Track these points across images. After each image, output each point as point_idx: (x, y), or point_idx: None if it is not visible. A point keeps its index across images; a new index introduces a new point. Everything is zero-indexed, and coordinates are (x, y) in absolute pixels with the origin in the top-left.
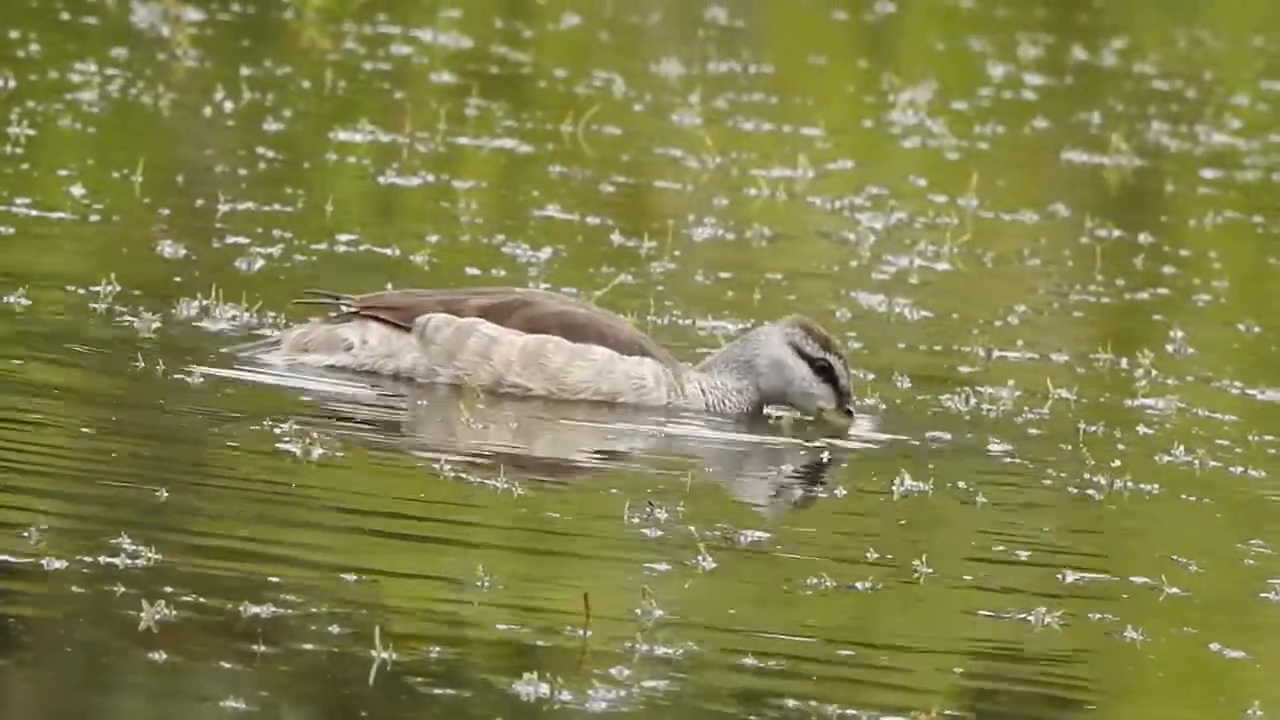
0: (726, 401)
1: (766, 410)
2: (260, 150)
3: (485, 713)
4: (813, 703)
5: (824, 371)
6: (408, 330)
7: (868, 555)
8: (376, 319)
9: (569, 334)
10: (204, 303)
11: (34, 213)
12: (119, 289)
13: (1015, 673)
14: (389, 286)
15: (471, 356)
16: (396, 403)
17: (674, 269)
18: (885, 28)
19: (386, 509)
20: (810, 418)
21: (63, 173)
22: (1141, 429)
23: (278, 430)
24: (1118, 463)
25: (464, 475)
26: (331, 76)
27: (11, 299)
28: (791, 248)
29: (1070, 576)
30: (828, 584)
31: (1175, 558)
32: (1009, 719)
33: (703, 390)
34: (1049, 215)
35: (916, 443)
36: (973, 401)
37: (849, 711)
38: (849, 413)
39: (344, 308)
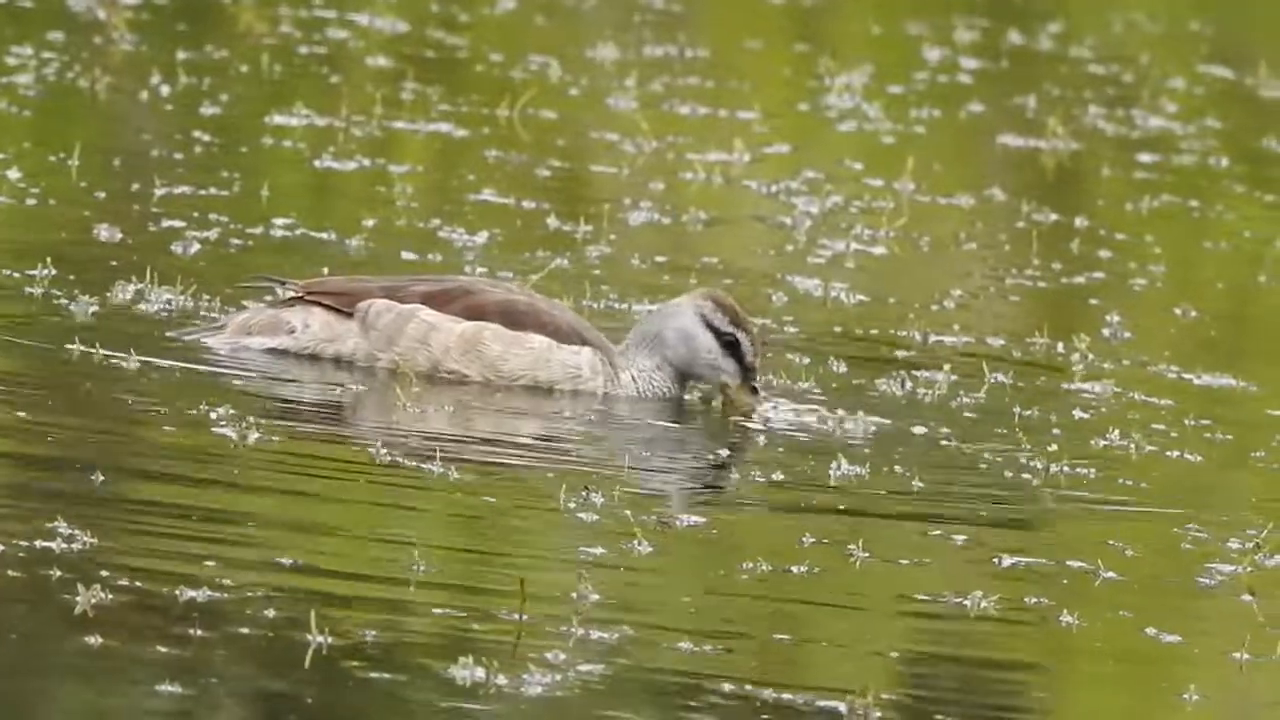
0: (652, 383)
1: (687, 394)
2: (196, 134)
3: (421, 697)
4: (749, 687)
5: (731, 346)
6: (350, 316)
7: (804, 540)
8: (320, 304)
9: (508, 322)
10: (140, 286)
11: None
12: (55, 273)
13: (951, 657)
14: (325, 271)
15: (410, 342)
16: (334, 388)
17: (610, 253)
18: (821, 12)
19: (322, 494)
20: (715, 394)
21: None
22: (1077, 413)
23: (214, 415)
24: (1053, 446)
25: (400, 460)
26: (268, 61)
27: None
28: (727, 231)
29: (1006, 560)
30: (764, 568)
31: (1111, 542)
32: (945, 703)
33: (633, 377)
34: (985, 199)
35: (852, 427)
36: (908, 385)
37: (785, 696)
38: (754, 390)
39: (283, 292)
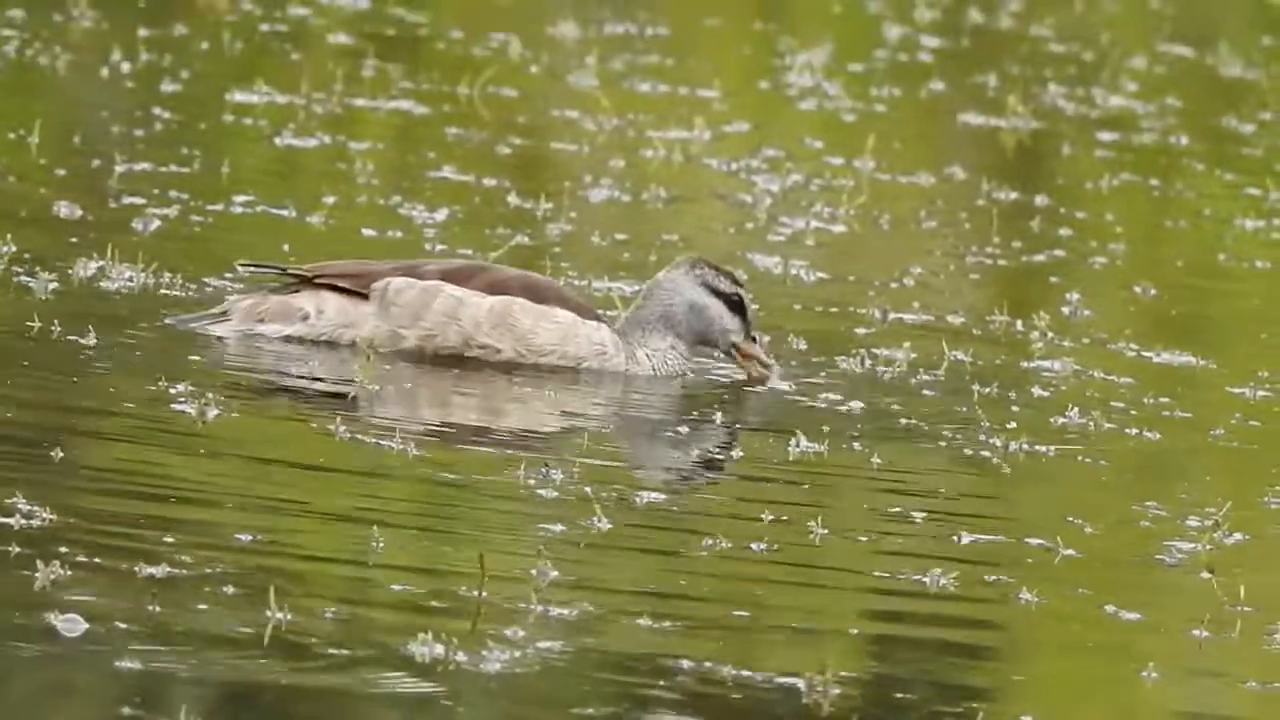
0: (666, 361)
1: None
2: (157, 111)
3: (380, 674)
4: (708, 664)
5: (736, 305)
6: (364, 297)
7: (764, 517)
8: (331, 288)
9: (532, 296)
10: (101, 263)
11: None
12: (15, 249)
13: (911, 634)
14: (285, 248)
15: (438, 318)
16: (292, 365)
17: (570, 230)
18: None
19: (282, 470)
20: (724, 355)
21: None
22: (1037, 391)
23: (173, 391)
24: (1013, 424)
25: (361, 437)
26: (229, 37)
27: None
28: (688, 209)
29: (966, 538)
30: (723, 545)
31: (1071, 519)
32: (904, 681)
33: (648, 355)
34: (945, 177)
35: (812, 404)
36: (868, 363)
37: (744, 673)
38: (754, 339)
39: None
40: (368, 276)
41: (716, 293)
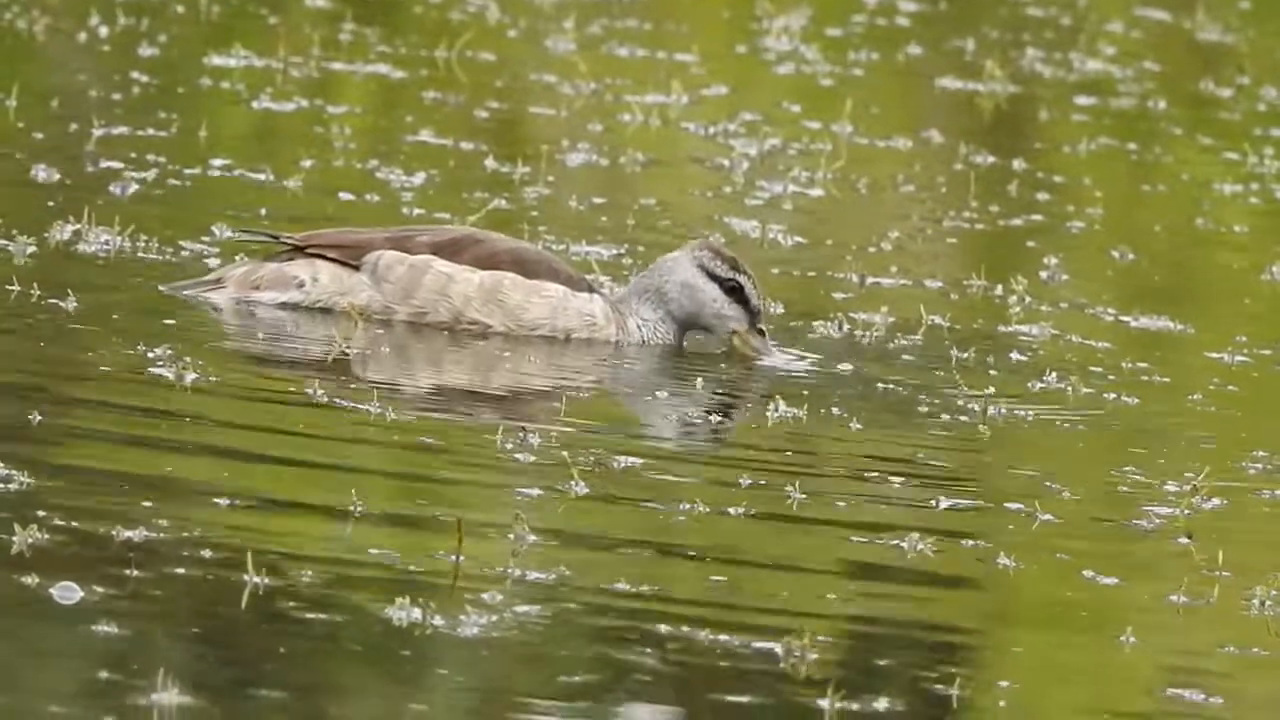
0: (656, 334)
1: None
2: (135, 75)
3: (358, 638)
4: (685, 628)
5: (734, 292)
6: (356, 268)
7: (741, 481)
8: (323, 257)
9: (522, 270)
10: (78, 227)
11: None
12: None
13: (889, 599)
14: (263, 212)
15: (429, 294)
16: (272, 330)
17: (548, 194)
18: None
19: (260, 434)
20: (724, 342)
21: None
22: (1015, 355)
23: (151, 355)
24: (991, 389)
25: (338, 401)
26: (206, 1)
27: None
28: (665, 173)
29: (944, 503)
30: (701, 509)
31: (1048, 484)
32: (882, 645)
33: (638, 325)
34: (923, 142)
35: (791, 369)
36: (846, 328)
37: (721, 637)
38: (761, 332)
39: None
40: (360, 247)
41: (713, 277)
